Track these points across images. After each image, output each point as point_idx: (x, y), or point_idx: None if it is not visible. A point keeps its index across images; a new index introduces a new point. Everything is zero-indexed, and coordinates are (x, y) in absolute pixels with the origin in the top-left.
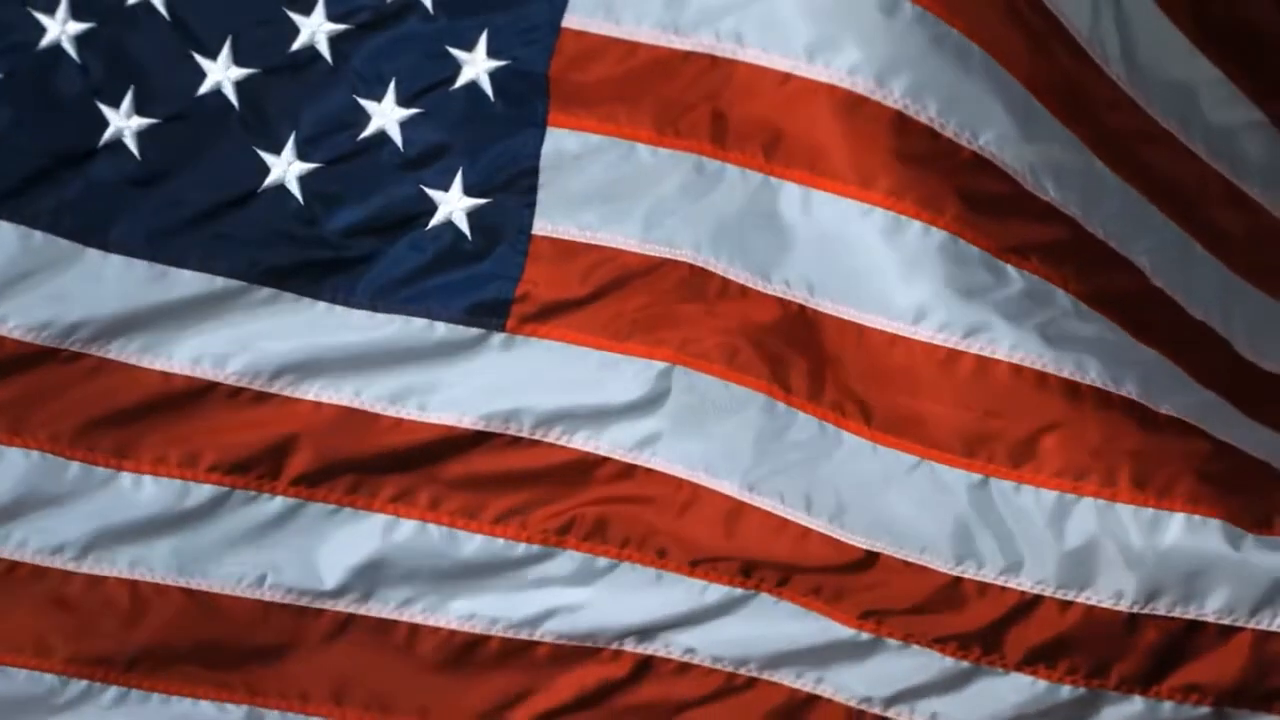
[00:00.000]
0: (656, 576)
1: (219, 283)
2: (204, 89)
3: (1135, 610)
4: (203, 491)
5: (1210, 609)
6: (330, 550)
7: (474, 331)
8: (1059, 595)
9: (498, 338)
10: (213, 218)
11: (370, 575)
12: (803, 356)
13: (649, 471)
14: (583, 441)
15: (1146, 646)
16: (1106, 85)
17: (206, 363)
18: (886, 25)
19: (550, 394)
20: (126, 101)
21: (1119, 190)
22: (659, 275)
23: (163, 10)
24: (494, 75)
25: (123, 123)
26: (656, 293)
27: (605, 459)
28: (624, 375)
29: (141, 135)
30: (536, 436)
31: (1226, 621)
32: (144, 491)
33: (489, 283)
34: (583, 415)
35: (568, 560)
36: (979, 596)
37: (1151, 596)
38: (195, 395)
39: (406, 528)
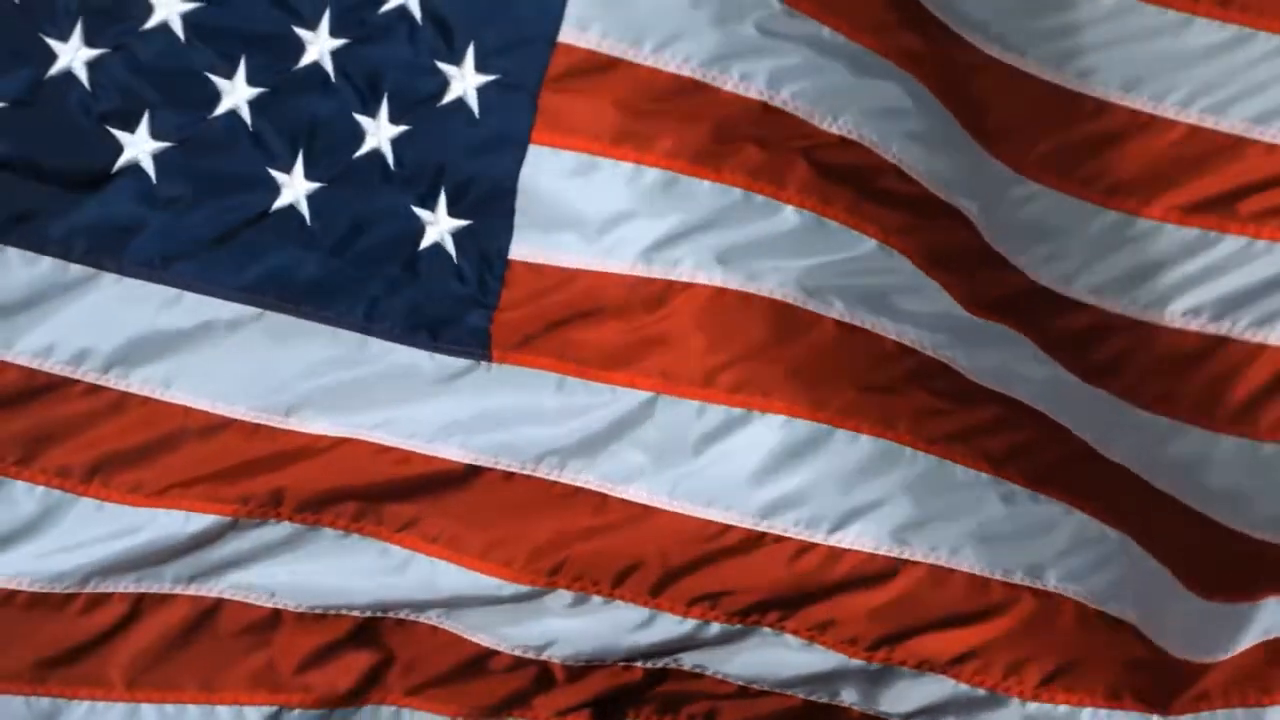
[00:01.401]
0: (650, 615)
1: (230, 309)
2: (220, 110)
3: None
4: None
5: None
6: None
7: (461, 362)
8: None
9: (483, 367)
10: (227, 239)
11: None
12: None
13: (629, 501)
14: (572, 475)
15: None
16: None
17: (205, 395)
18: None
19: (539, 426)
20: (143, 126)
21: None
22: (642, 298)
23: (179, 32)
24: (481, 90)
25: (139, 147)
26: (637, 317)
27: (596, 492)
28: (609, 403)
29: (158, 158)
30: (527, 471)
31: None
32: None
33: (473, 309)
34: (570, 448)
35: (562, 597)
36: None
37: None
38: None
39: (417, 560)
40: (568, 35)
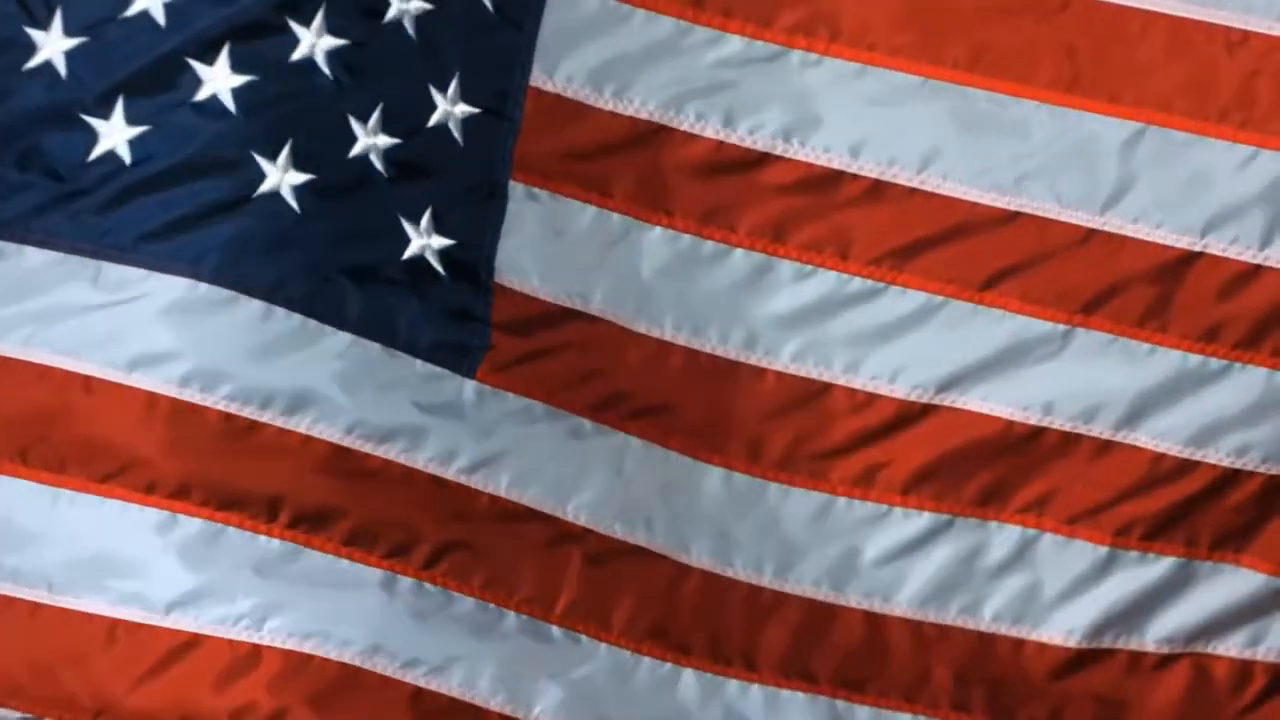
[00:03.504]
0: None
1: (222, 294)
2: (200, 96)
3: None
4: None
5: None
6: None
7: (447, 375)
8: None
9: (470, 385)
10: (205, 220)
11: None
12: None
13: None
14: (552, 506)
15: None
16: None
17: (195, 385)
18: None
19: (522, 457)
20: (117, 112)
21: None
22: (620, 341)
23: (160, 19)
24: (465, 121)
25: (117, 134)
26: (613, 359)
27: (586, 530)
28: (593, 449)
29: (133, 144)
30: (513, 497)
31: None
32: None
33: (459, 324)
34: (550, 483)
35: (555, 633)
36: None
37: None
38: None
39: (405, 584)
40: (540, 80)
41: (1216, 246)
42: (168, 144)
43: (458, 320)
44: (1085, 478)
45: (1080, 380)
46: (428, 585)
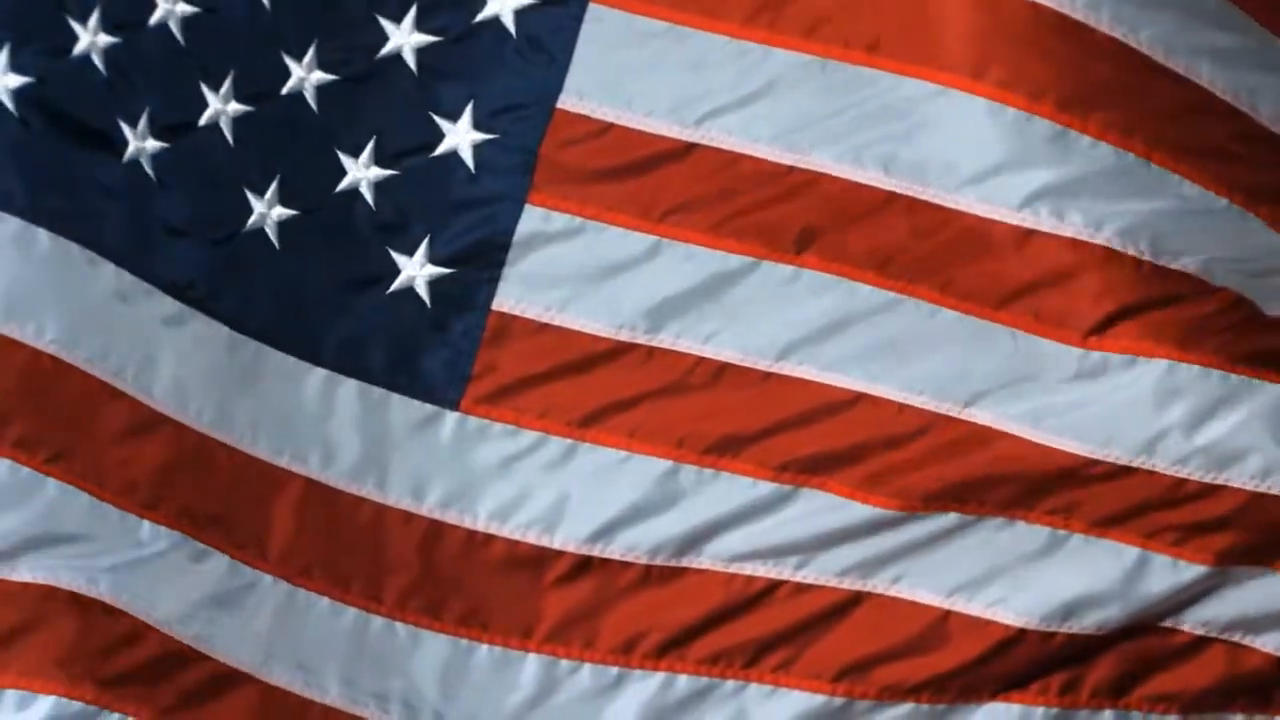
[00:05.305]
0: (619, 676)
1: (215, 327)
2: (204, 119)
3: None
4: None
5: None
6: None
7: (429, 408)
8: (1042, 628)
9: (452, 417)
10: (192, 237)
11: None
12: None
13: (606, 561)
14: (536, 536)
15: (1118, 658)
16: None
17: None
18: None
19: (505, 483)
20: (142, 122)
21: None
22: (626, 360)
23: (178, 35)
24: (478, 148)
25: (139, 143)
26: (621, 378)
27: (560, 553)
28: (582, 466)
29: (156, 157)
30: (491, 530)
31: (1200, 633)
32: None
33: (445, 356)
34: (535, 506)
35: (533, 664)
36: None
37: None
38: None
39: (376, 624)
40: (566, 102)
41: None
42: None
43: None
44: None
45: None
46: None
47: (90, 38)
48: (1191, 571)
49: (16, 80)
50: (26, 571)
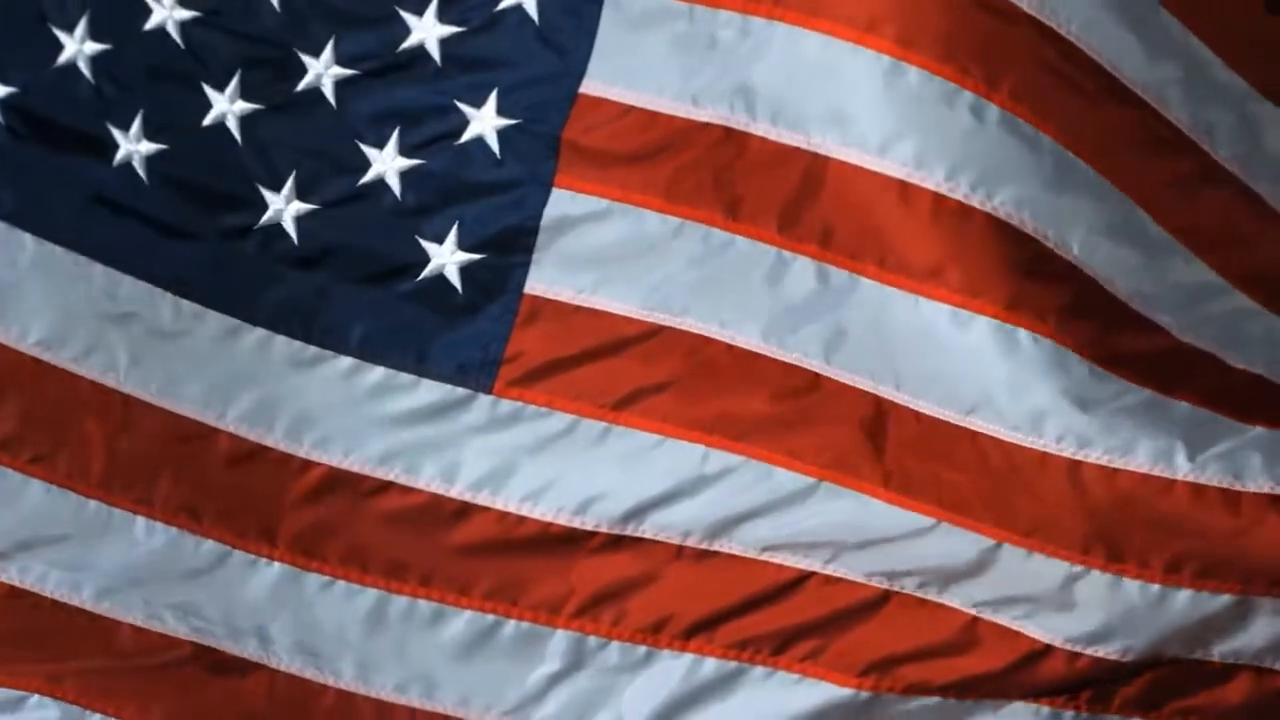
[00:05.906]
0: (646, 655)
1: (214, 318)
2: (209, 119)
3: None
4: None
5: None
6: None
7: (461, 392)
8: (1068, 648)
9: (485, 400)
10: (191, 235)
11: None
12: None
13: (638, 540)
14: (568, 518)
15: (1148, 679)
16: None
17: (211, 411)
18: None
19: (537, 465)
20: (135, 125)
21: (1159, 242)
22: (657, 342)
23: (176, 38)
24: (502, 133)
25: (132, 146)
26: (653, 360)
27: (592, 532)
28: (612, 448)
29: (150, 159)
30: (524, 512)
31: (1230, 661)
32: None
33: (477, 341)
34: (568, 488)
35: (561, 639)
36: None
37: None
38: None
39: (398, 604)
40: (589, 86)
41: None
42: None
43: None
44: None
45: None
46: None
47: (77, 46)
48: (1216, 601)
49: (1, 91)
50: (16, 574)
